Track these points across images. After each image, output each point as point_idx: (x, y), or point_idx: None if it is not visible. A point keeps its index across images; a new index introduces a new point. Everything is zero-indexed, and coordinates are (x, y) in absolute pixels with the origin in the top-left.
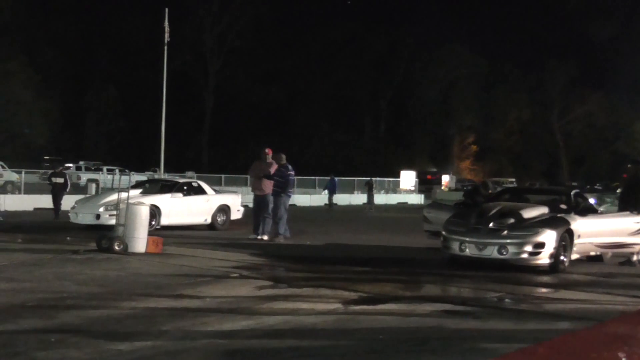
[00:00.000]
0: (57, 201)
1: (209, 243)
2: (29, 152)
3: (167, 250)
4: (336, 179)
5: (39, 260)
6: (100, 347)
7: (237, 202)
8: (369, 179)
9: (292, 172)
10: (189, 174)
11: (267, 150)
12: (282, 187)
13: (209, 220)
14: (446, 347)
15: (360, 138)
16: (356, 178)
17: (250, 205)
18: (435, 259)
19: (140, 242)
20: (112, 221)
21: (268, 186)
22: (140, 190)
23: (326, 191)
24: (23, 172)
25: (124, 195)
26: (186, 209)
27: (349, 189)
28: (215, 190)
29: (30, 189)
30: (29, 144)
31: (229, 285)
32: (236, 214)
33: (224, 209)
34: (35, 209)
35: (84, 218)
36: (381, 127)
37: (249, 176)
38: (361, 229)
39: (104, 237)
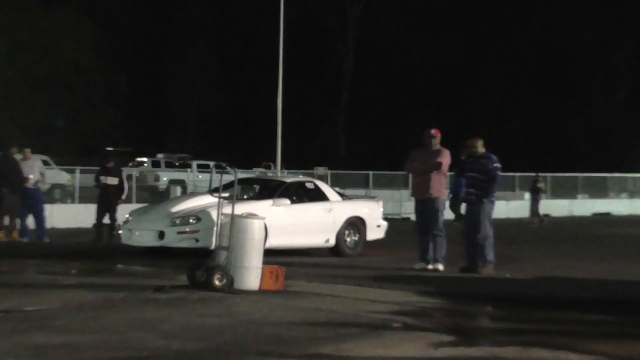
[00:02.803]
0: (106, 211)
1: (352, 276)
2: (87, 143)
3: (291, 286)
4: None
5: (106, 302)
6: None
7: (375, 213)
8: (534, 174)
9: (499, 165)
10: (320, 170)
11: (433, 132)
12: (485, 189)
13: (331, 241)
14: None
15: (584, 111)
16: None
17: (410, 217)
18: None
19: (252, 273)
20: (184, 242)
21: (437, 187)
22: (226, 194)
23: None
24: (77, 172)
25: (205, 201)
26: (296, 224)
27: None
28: (341, 195)
29: (88, 195)
30: (86, 131)
31: (388, 340)
32: (374, 231)
33: (355, 224)
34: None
35: (142, 237)
36: (619, 93)
37: (406, 172)
38: (585, 253)
39: (198, 267)
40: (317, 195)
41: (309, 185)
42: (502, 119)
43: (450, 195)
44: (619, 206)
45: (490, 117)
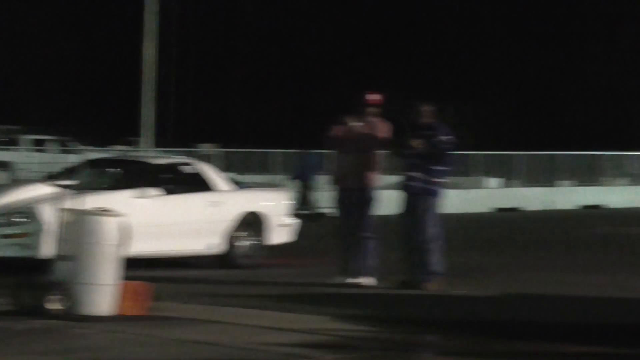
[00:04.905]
0: None
1: (246, 295)
2: None
3: (160, 310)
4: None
5: None
6: None
7: (280, 208)
8: None
9: (451, 138)
10: (203, 148)
11: (375, 97)
12: (434, 173)
13: (217, 247)
14: None
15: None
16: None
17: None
18: None
19: (104, 292)
20: (8, 250)
21: (375, 171)
22: (73, 182)
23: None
24: None
25: (39, 192)
26: (169, 223)
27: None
28: (236, 183)
29: None
30: None
31: None
32: (279, 232)
33: (253, 223)
34: None
35: None
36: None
37: (329, 149)
38: (569, 261)
39: (27, 284)
40: (199, 183)
41: (187, 169)
42: (487, 69)
43: (297, 179)
44: (614, 196)
45: (469, 68)
